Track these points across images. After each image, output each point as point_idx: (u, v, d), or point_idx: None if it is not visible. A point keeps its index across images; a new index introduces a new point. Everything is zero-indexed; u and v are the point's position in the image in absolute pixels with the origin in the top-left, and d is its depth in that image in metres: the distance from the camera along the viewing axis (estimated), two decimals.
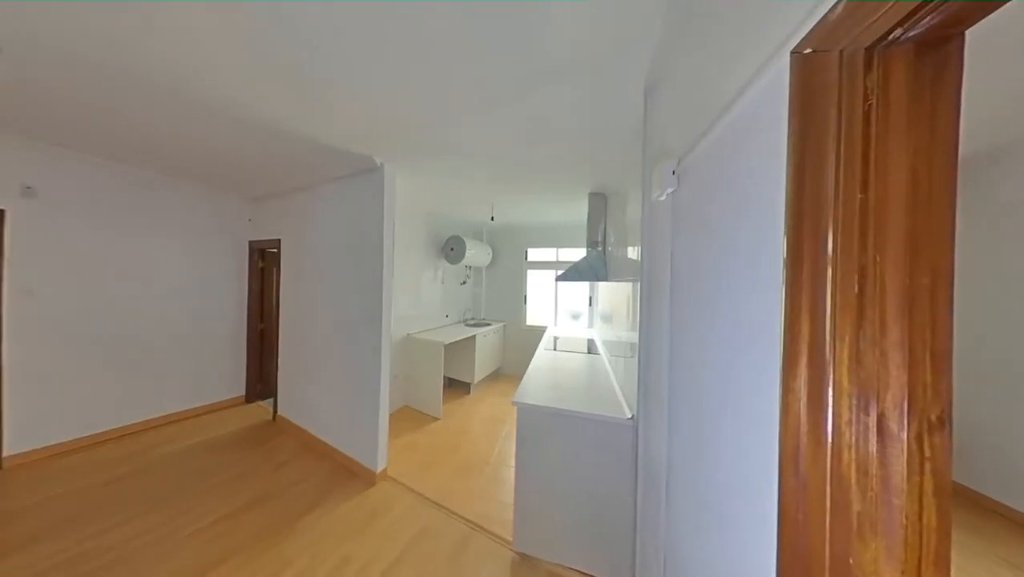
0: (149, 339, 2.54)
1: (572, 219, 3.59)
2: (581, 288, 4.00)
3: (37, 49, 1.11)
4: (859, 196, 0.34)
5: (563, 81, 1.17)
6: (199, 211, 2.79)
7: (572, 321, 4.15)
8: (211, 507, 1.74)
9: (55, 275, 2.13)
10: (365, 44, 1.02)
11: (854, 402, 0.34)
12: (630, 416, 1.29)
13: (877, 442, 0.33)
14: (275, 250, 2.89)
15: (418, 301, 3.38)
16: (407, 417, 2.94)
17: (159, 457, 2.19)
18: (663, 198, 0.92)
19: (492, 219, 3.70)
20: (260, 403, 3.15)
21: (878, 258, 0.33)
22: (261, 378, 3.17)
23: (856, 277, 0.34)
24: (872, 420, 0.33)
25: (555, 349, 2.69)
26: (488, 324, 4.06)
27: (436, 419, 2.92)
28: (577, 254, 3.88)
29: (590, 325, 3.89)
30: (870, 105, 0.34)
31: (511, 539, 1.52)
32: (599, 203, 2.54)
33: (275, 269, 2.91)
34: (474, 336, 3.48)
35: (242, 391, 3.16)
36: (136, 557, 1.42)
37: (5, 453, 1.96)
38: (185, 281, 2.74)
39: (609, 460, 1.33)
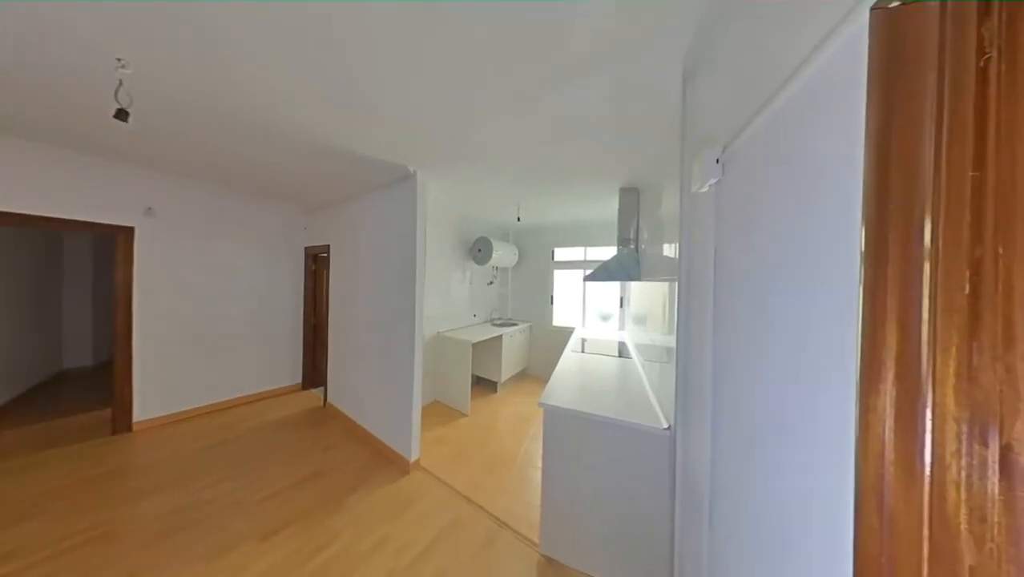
0: (231, 331, 2.99)
1: (601, 216, 3.46)
2: (611, 288, 3.85)
3: (160, 104, 1.42)
4: (971, 174, 0.28)
5: (593, 73, 1.13)
6: (266, 223, 3.24)
7: (601, 323, 4.01)
8: (275, 478, 2.00)
9: (165, 279, 2.62)
10: (401, 66, 1.12)
11: (964, 429, 0.28)
12: (666, 426, 1.20)
13: (1000, 481, 0.26)
14: (325, 254, 3.22)
15: (447, 301, 3.48)
16: (437, 412, 3.04)
17: (238, 431, 2.57)
18: (705, 189, 0.84)
19: (518, 220, 3.70)
20: (313, 390, 3.47)
21: (1002, 250, 0.27)
22: (314, 368, 3.49)
23: (967, 274, 0.28)
24: (993, 452, 0.27)
25: (583, 351, 2.62)
26: (514, 324, 4.07)
27: (464, 415, 2.98)
28: (606, 253, 3.74)
29: (621, 327, 3.73)
30: (988, 59, 0.27)
31: (537, 541, 1.50)
32: (631, 198, 2.42)
33: (325, 271, 3.23)
34: (501, 336, 3.50)
35: (299, 379, 3.53)
36: (224, 513, 1.70)
37: (135, 419, 2.48)
38: (257, 282, 3.18)
39: (643, 471, 1.25)
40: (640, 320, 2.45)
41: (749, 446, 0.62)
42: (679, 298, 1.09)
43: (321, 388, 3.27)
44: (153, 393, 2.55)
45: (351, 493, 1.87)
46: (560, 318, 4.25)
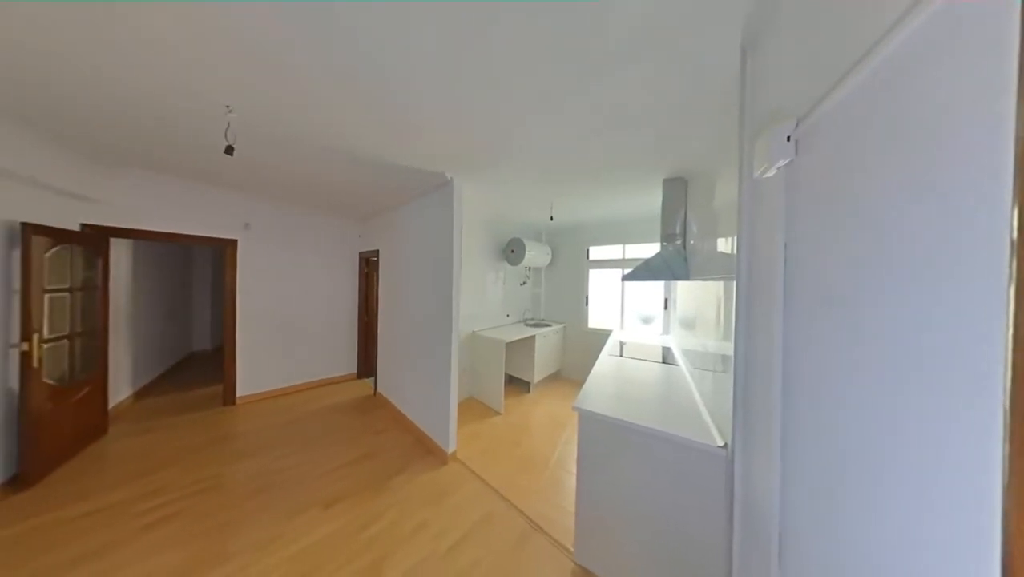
0: (302, 325, 3.50)
1: (641, 212, 3.25)
2: (654, 288, 3.58)
3: (255, 139, 1.72)
4: None
5: (636, 60, 1.04)
6: (329, 233, 3.70)
7: (643, 325, 3.76)
8: (334, 456, 2.24)
9: (257, 281, 3.16)
10: (440, 85, 1.19)
11: None
12: (722, 444, 1.07)
13: None
14: (375, 259, 3.57)
15: (482, 301, 3.53)
16: (472, 408, 3.10)
17: (306, 412, 2.96)
18: (771, 173, 0.72)
19: (551, 219, 3.63)
20: (366, 380, 3.83)
21: None
22: (366, 360, 3.86)
23: None
24: None
25: (621, 355, 2.47)
26: (548, 325, 4.01)
27: (498, 413, 3.01)
28: (647, 250, 3.50)
29: (666, 331, 3.45)
30: None
31: (571, 549, 1.44)
32: (677, 190, 2.22)
33: (375, 274, 3.59)
34: (534, 336, 3.47)
35: (354, 369, 3.93)
36: (293, 482, 1.96)
37: (238, 394, 3.06)
38: (321, 284, 3.65)
39: (692, 491, 1.13)
40: (689, 324, 2.24)
41: (835, 481, 0.51)
42: (737, 300, 0.96)
43: (372, 378, 3.64)
44: (249, 374, 3.10)
45: (396, 476, 2.03)
46: (596, 319, 4.08)
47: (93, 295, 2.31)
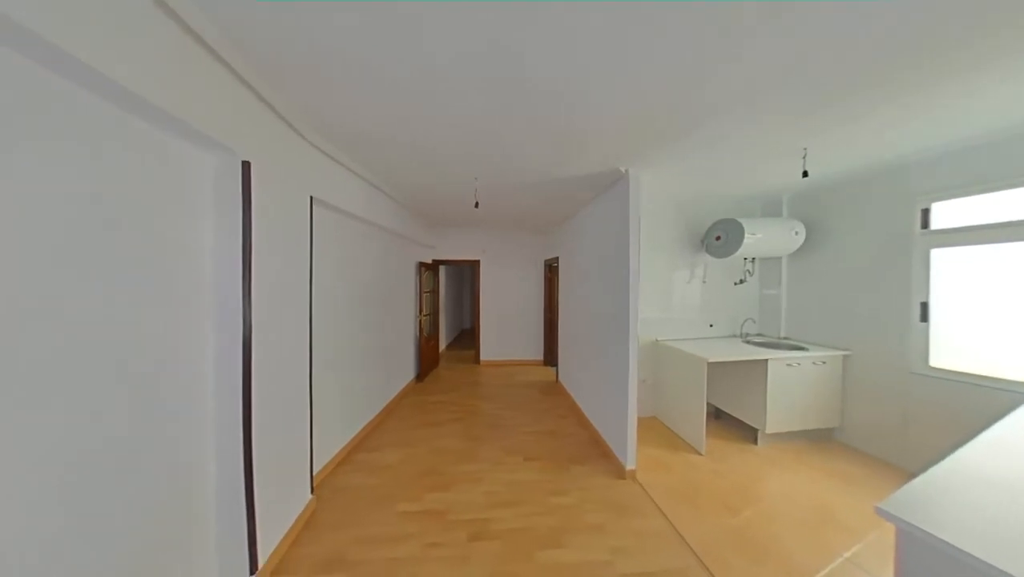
0: (509, 319, 4.91)
1: None
2: None
3: (487, 191, 2.56)
4: None
5: None
6: (522, 246, 4.93)
7: None
8: (530, 422, 2.84)
9: (488, 287, 4.82)
10: (605, 87, 1.20)
11: None
12: None
13: None
14: (556, 264, 4.24)
15: (668, 304, 2.92)
16: (657, 431, 2.67)
17: (513, 381, 4.10)
18: None
19: (804, 175, 2.22)
20: (549, 367, 4.62)
21: None
22: (550, 350, 4.63)
23: None
24: None
25: None
26: (801, 348, 2.48)
27: (695, 452, 2.32)
28: None
29: None
30: None
31: None
32: None
33: (556, 278, 4.30)
34: (766, 361, 2.31)
35: (541, 356, 4.92)
36: (508, 428, 2.71)
37: (481, 358, 4.82)
38: (520, 289, 4.94)
39: None
40: None
41: None
42: None
43: (554, 367, 4.35)
44: (485, 346, 4.87)
45: (576, 464, 2.18)
46: (951, 349, 1.95)
47: (435, 295, 4.75)
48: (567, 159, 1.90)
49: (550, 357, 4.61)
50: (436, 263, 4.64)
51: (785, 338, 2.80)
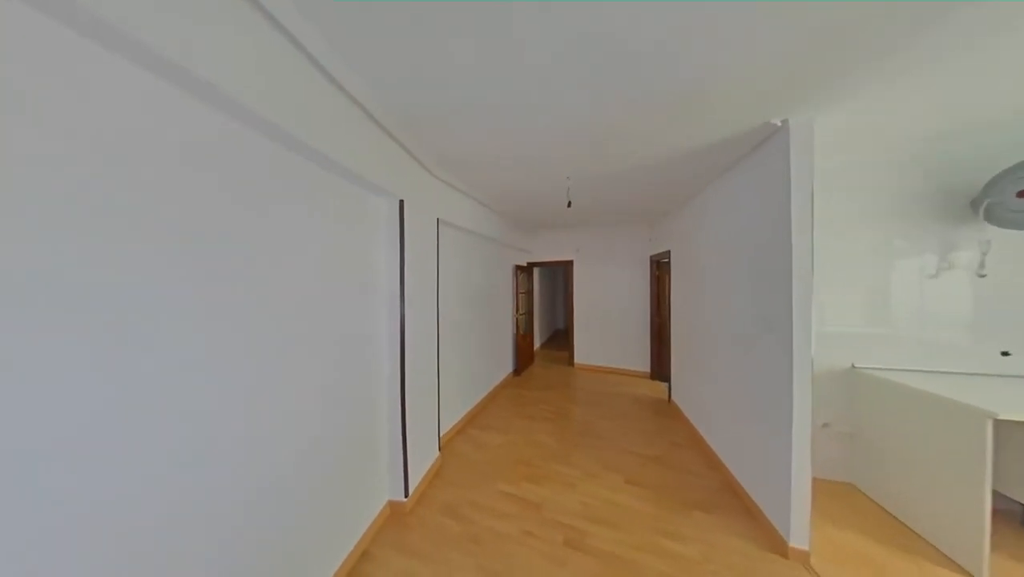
0: (608, 320, 4.57)
1: None
2: None
3: (579, 191, 2.58)
4: None
5: None
6: (623, 242, 4.47)
7: None
8: (634, 441, 2.54)
9: (583, 287, 4.66)
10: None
11: None
12: None
13: None
14: (666, 260, 3.57)
15: (883, 312, 1.94)
16: (855, 504, 1.81)
17: (613, 391, 3.73)
18: None
19: None
20: (658, 382, 3.96)
21: None
22: (659, 363, 3.98)
23: None
24: None
25: None
26: None
27: (966, 573, 1.36)
28: None
29: None
30: None
31: None
32: None
33: (667, 276, 3.60)
34: None
35: (647, 368, 4.25)
36: (605, 440, 2.56)
37: (575, 361, 4.72)
38: (619, 290, 4.51)
39: None
40: None
41: None
42: None
43: (666, 383, 3.54)
44: (580, 349, 4.71)
45: (699, 510, 1.76)
46: None
47: (530, 296, 4.91)
48: (683, 129, 1.56)
49: (659, 370, 3.97)
50: (530, 265, 4.87)
51: None
